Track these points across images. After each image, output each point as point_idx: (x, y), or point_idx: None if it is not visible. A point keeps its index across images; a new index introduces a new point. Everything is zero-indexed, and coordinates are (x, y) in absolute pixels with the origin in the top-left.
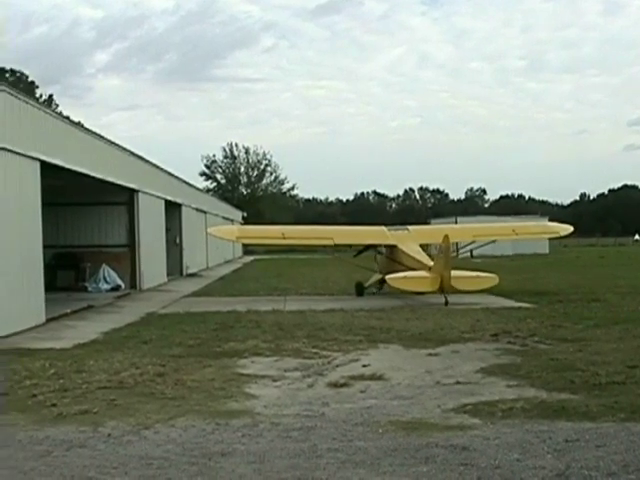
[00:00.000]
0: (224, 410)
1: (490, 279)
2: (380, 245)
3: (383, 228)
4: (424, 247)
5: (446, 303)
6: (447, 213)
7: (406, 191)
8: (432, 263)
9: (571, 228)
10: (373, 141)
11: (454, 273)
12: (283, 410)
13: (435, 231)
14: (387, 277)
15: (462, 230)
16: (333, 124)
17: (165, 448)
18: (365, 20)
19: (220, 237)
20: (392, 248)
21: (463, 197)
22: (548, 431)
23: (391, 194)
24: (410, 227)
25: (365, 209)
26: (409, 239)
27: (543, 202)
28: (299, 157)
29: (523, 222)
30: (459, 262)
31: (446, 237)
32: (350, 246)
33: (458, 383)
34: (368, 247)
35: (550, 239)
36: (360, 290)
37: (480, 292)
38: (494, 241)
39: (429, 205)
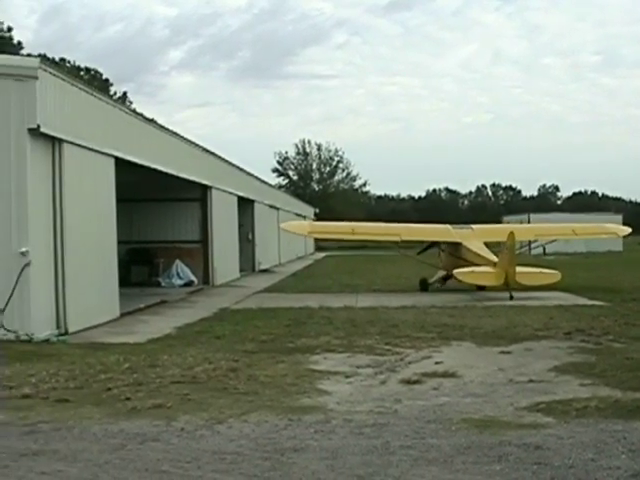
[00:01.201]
0: (297, 406)
1: (553, 275)
2: (444, 243)
3: (448, 226)
4: (490, 246)
5: (511, 297)
6: (519, 210)
7: (478, 188)
8: (496, 259)
9: (629, 229)
10: (446, 137)
11: (518, 269)
12: (355, 406)
13: (497, 230)
14: (455, 272)
15: (525, 229)
16: (406, 120)
17: (238, 443)
18: (438, 16)
19: (292, 232)
20: (457, 245)
21: (536, 194)
22: (623, 431)
23: (463, 191)
24: (474, 226)
25: (437, 206)
26: (473, 237)
27: (617, 199)
28: (371, 153)
29: (592, 219)
30: (531, 259)
31: (511, 234)
32: (422, 243)
33: (531, 381)
34: (432, 245)
35: (625, 237)
36: (424, 286)
37: (552, 289)
38: (554, 240)
39: (501, 202)
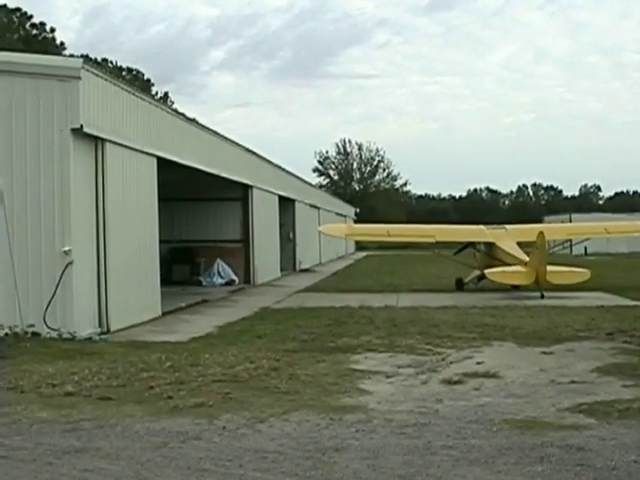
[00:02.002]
0: (338, 405)
1: (583, 274)
2: (479, 243)
3: (482, 227)
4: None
5: (542, 296)
6: (560, 210)
7: (519, 187)
8: (528, 259)
9: None
10: (487, 137)
11: (549, 268)
12: (397, 406)
13: (530, 230)
14: (486, 271)
15: (557, 229)
16: (447, 120)
17: (279, 442)
18: (479, 15)
19: (331, 235)
20: (490, 245)
21: (577, 194)
22: None
23: (504, 191)
24: (507, 226)
25: (478, 206)
26: (506, 237)
27: None
28: (412, 153)
29: (636, 219)
30: (572, 259)
31: (541, 234)
32: (460, 243)
33: (573, 382)
34: (468, 245)
35: None
36: (460, 285)
37: (594, 290)
38: (588, 238)
39: (542, 202)
